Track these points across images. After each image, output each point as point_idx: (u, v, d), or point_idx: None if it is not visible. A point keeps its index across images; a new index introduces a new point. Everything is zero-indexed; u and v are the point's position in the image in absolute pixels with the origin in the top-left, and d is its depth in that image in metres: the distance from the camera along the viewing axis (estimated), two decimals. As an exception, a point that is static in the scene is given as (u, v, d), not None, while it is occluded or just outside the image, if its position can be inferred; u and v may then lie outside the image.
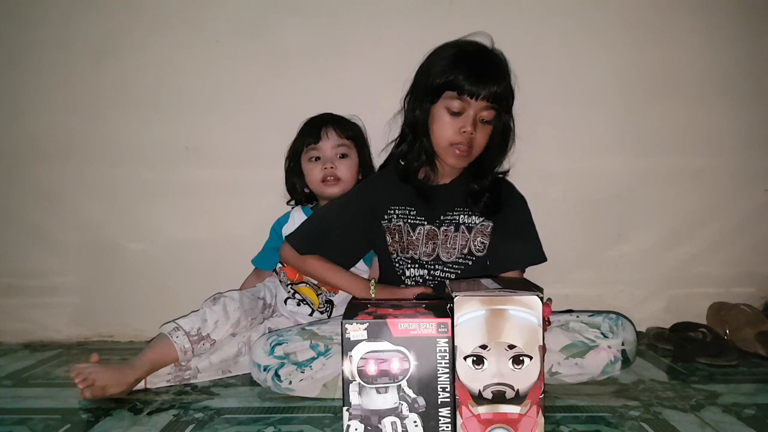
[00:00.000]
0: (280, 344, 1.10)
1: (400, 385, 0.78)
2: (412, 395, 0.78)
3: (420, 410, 0.78)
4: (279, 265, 1.41)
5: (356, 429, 0.78)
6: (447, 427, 0.78)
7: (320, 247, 1.24)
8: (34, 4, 1.54)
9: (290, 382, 1.08)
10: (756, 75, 1.54)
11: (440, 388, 0.78)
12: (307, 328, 1.14)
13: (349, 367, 0.77)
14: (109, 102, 1.56)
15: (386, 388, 0.78)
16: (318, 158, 1.37)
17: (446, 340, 0.78)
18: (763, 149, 1.55)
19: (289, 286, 1.36)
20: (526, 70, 1.52)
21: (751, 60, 1.53)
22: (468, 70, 1.13)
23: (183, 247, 1.55)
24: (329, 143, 1.36)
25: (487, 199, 1.22)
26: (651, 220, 1.56)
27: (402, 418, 0.78)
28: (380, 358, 0.77)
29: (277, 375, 1.09)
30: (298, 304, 1.35)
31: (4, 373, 1.32)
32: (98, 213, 1.58)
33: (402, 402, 0.78)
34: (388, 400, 0.78)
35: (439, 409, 0.78)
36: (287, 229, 1.43)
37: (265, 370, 1.10)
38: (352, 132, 1.40)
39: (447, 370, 0.78)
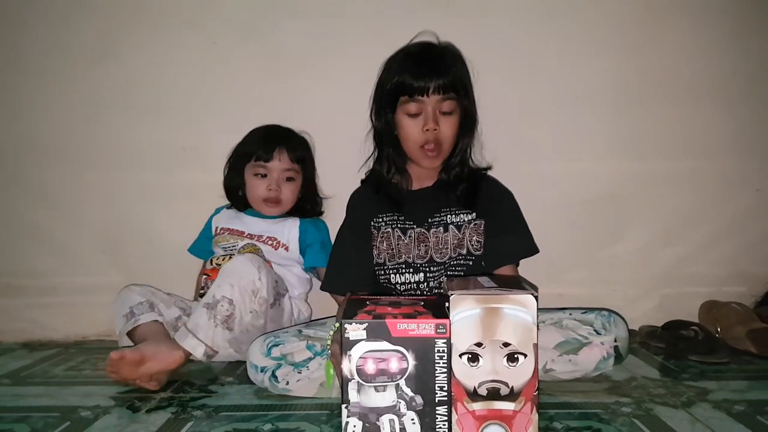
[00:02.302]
0: (277, 345, 1.11)
1: (398, 383, 0.79)
2: (410, 393, 0.79)
3: (417, 408, 0.79)
4: (209, 265, 1.38)
5: (354, 426, 0.79)
6: (443, 424, 0.79)
7: (349, 281, 1.24)
8: (33, 5, 1.54)
9: (287, 383, 1.09)
10: (747, 78, 1.55)
11: (437, 386, 0.79)
12: (303, 330, 1.15)
13: (348, 366, 0.79)
14: (107, 103, 1.56)
15: (384, 386, 0.79)
16: (264, 175, 1.38)
17: (444, 340, 0.79)
18: (754, 150, 1.57)
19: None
20: (523, 71, 1.54)
21: (743, 63, 1.55)
22: (412, 71, 1.16)
23: (181, 246, 1.56)
24: (279, 165, 1.38)
25: (464, 188, 1.23)
26: (644, 221, 1.57)
27: (400, 416, 0.79)
28: (379, 357, 0.78)
29: (274, 376, 1.10)
30: None
31: (4, 371, 1.32)
32: (97, 213, 1.58)
33: (400, 400, 0.79)
34: (386, 398, 0.79)
35: (436, 407, 0.79)
36: (216, 220, 1.46)
37: (262, 371, 1.11)
38: (301, 152, 1.41)
39: (445, 370, 0.79)
